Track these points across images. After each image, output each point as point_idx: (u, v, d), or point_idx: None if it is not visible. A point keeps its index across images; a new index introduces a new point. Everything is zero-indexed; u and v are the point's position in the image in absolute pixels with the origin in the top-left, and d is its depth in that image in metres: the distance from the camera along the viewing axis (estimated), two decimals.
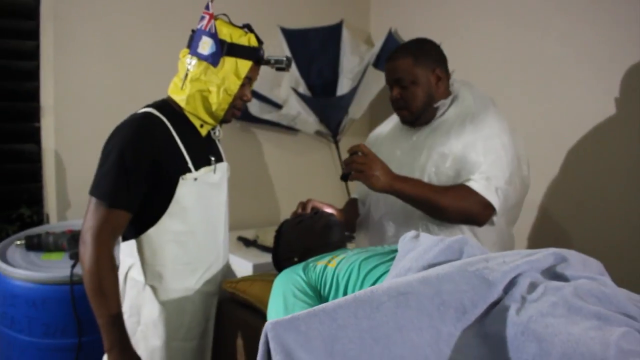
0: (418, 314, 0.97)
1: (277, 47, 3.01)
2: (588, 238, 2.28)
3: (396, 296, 0.97)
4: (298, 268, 1.37)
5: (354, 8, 3.34)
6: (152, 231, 1.48)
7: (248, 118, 2.88)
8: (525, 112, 2.47)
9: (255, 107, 2.85)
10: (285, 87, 3.02)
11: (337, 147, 3.17)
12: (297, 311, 1.05)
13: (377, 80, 2.89)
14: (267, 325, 0.90)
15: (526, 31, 2.51)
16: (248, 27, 1.60)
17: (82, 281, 1.38)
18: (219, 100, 1.52)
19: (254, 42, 1.57)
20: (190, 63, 1.49)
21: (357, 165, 1.57)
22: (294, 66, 3.04)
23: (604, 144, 2.23)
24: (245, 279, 1.63)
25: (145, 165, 1.43)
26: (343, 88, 3.08)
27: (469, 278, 1.03)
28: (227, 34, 1.51)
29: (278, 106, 2.91)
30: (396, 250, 1.34)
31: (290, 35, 3.06)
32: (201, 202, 1.54)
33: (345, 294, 1.25)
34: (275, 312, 1.26)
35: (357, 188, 2.09)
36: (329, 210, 1.79)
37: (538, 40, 2.46)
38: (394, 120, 1.95)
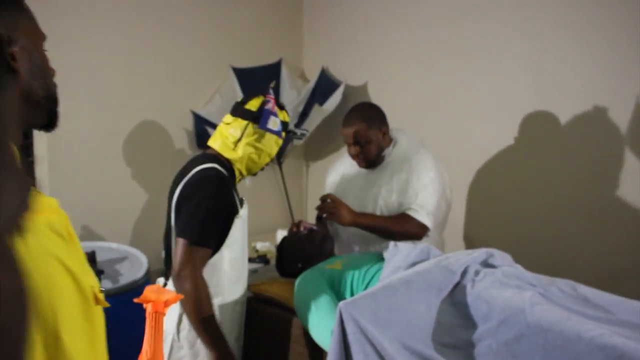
0: (417, 293, 1.62)
1: (229, 83, 3.53)
2: (499, 233, 3.07)
3: (405, 283, 1.61)
4: (314, 271, 1.96)
5: (290, 47, 3.93)
6: (214, 259, 1.88)
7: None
8: (442, 140, 3.19)
9: None
10: None
11: (281, 169, 3.75)
12: (324, 302, 1.69)
13: (319, 114, 3.49)
14: (340, 305, 1.52)
15: (440, 74, 3.24)
16: (281, 107, 2.11)
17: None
18: (262, 161, 2.01)
19: (287, 118, 2.09)
20: (243, 131, 1.95)
21: (329, 209, 2.23)
22: None
23: (508, 160, 3.03)
24: (264, 282, 2.20)
25: (224, 212, 1.88)
26: None
27: (441, 270, 1.70)
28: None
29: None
30: (378, 255, 2.00)
31: (240, 73, 3.59)
32: (242, 233, 2.00)
33: (351, 286, 1.88)
34: (306, 304, 1.84)
35: None
36: (307, 224, 2.37)
37: (449, 83, 3.20)
38: (348, 161, 2.53)
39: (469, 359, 1.52)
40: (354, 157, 2.37)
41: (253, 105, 1.98)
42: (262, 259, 3.15)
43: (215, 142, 2.00)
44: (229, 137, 1.96)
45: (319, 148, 3.96)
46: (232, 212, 1.92)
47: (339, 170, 2.61)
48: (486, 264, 1.81)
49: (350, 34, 3.72)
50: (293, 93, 3.73)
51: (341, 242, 2.49)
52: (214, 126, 3.41)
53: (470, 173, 3.14)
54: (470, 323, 1.58)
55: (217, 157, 1.97)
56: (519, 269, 1.76)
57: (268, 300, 2.12)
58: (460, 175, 3.07)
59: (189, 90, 3.42)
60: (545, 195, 2.84)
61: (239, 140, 1.95)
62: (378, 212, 2.33)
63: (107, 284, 2.40)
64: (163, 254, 2.05)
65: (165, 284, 1.93)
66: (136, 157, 3.18)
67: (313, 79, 3.74)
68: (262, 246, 3.30)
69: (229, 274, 1.93)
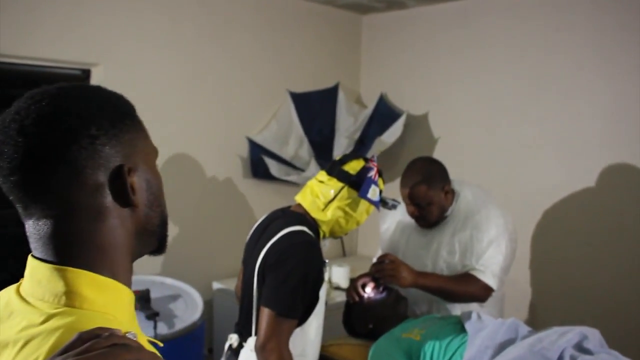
0: None
1: (286, 108, 3.43)
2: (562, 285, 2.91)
3: None
4: (390, 341, 1.83)
5: (347, 72, 3.81)
6: (300, 328, 1.75)
7: (268, 177, 3.27)
8: (506, 180, 3.04)
9: (275, 168, 3.25)
10: (292, 144, 3.45)
11: None
12: None
13: (379, 145, 3.36)
14: None
15: (507, 110, 3.08)
16: (379, 174, 1.92)
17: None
18: (349, 227, 1.86)
19: (382, 187, 1.91)
20: (339, 193, 1.79)
21: (388, 272, 2.03)
22: (298, 124, 3.49)
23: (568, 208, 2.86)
24: (332, 344, 2.07)
25: (314, 281, 1.74)
26: (340, 145, 3.54)
27: (535, 356, 1.55)
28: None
29: (299, 169, 3.34)
30: (457, 322, 1.86)
31: (296, 98, 3.48)
32: (324, 296, 1.85)
33: None
34: None
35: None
36: (370, 283, 2.20)
37: (517, 118, 3.04)
38: (404, 214, 2.31)
39: None
40: (413, 217, 2.20)
41: (352, 167, 1.83)
42: None
43: (304, 199, 1.84)
44: (321, 197, 1.81)
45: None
46: (321, 279, 1.78)
47: (395, 218, 2.43)
48: (580, 348, 1.66)
49: (411, 60, 3.58)
50: (350, 119, 3.61)
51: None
52: (269, 154, 3.32)
53: (537, 216, 2.98)
54: None
55: (304, 217, 1.82)
56: (619, 358, 1.61)
57: None
58: (524, 220, 2.91)
59: (244, 115, 3.32)
60: (617, 245, 2.66)
61: (331, 201, 1.81)
62: (439, 273, 2.18)
63: (163, 327, 2.32)
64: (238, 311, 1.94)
65: (240, 344, 1.83)
66: (190, 186, 3.10)
67: (371, 105, 3.61)
68: None
69: (313, 341, 1.82)
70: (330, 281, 3.11)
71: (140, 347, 0.56)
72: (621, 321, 2.55)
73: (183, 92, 3.03)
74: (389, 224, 2.46)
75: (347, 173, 1.82)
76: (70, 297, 0.65)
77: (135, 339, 0.58)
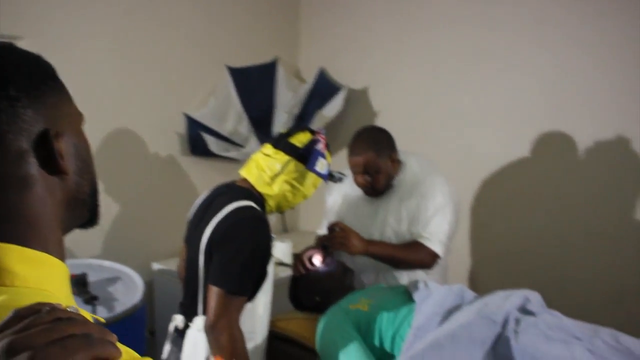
0: (461, 348, 1.51)
1: (224, 83, 3.34)
2: (503, 249, 3.00)
3: (450, 338, 1.50)
4: (339, 314, 1.83)
5: (286, 46, 3.75)
6: (250, 306, 1.72)
7: (207, 154, 3.19)
8: (445, 149, 3.08)
9: (214, 145, 3.17)
10: (231, 120, 3.38)
11: None
12: (354, 350, 1.57)
13: (320, 120, 3.34)
14: None
15: (446, 81, 3.12)
16: (328, 146, 1.89)
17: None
18: (295, 201, 1.83)
19: (329, 160, 1.88)
20: (283, 167, 1.75)
21: (338, 239, 2.05)
22: (237, 100, 3.41)
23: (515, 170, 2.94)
24: (280, 319, 2.04)
25: (263, 257, 1.71)
26: (279, 120, 3.49)
27: (483, 320, 1.59)
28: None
29: (238, 145, 3.27)
30: (403, 291, 1.88)
31: (234, 73, 3.39)
32: (272, 272, 1.82)
33: (380, 331, 1.76)
34: (332, 347, 1.72)
35: (323, 230, 2.44)
36: (317, 255, 2.19)
37: (456, 89, 3.08)
38: (350, 186, 2.33)
39: None
40: (362, 186, 2.22)
41: (299, 140, 1.79)
42: None
43: (250, 174, 1.80)
44: (267, 171, 1.77)
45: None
46: (269, 254, 1.75)
47: (341, 190, 2.44)
48: (524, 310, 1.71)
49: (350, 34, 3.56)
50: (289, 94, 3.55)
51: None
52: (208, 130, 3.23)
53: (475, 185, 3.05)
54: None
55: (250, 192, 1.78)
56: (561, 318, 1.67)
57: (288, 339, 1.98)
58: (464, 188, 2.97)
59: (181, 92, 3.21)
60: (553, 212, 2.77)
61: (277, 175, 1.77)
62: (387, 241, 2.20)
63: (102, 312, 2.22)
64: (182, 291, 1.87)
65: (186, 325, 1.77)
66: (125, 164, 2.97)
67: (310, 79, 3.57)
68: None
69: (262, 317, 1.79)
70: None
71: (86, 320, 0.51)
72: (558, 283, 2.66)
73: (117, 68, 2.88)
74: (335, 197, 2.46)
75: (294, 146, 1.79)
76: None
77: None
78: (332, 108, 3.37)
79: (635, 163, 2.51)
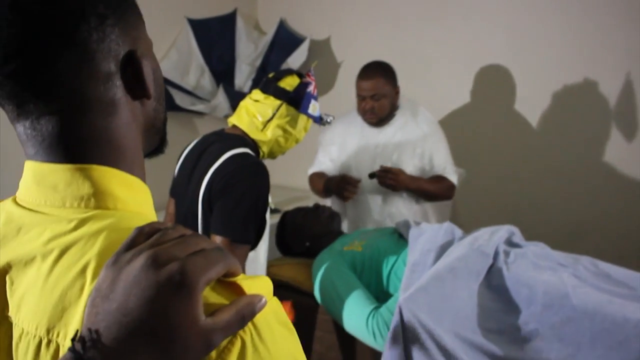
0: (460, 280, 1.60)
1: (184, 36, 3.26)
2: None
3: (450, 271, 1.59)
4: (334, 255, 1.88)
5: None
6: (253, 254, 1.73)
7: (173, 108, 3.12)
8: (411, 94, 3.14)
9: (178, 98, 3.11)
10: (193, 73, 3.31)
11: None
12: (353, 290, 1.64)
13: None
14: (400, 302, 1.47)
15: (408, 29, 3.15)
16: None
17: None
18: (288, 146, 1.81)
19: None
20: (274, 111, 1.74)
21: (390, 181, 2.23)
22: (198, 53, 3.34)
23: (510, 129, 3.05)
24: (272, 265, 2.07)
25: (264, 203, 1.67)
26: (242, 73, 3.45)
27: (476, 254, 1.69)
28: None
29: (204, 99, 3.21)
30: (392, 232, 1.95)
31: (195, 25, 3.30)
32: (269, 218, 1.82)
33: (376, 270, 1.83)
34: (331, 288, 1.78)
35: (321, 166, 2.57)
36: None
37: (419, 37, 3.13)
38: (349, 121, 2.49)
39: (516, 343, 1.54)
40: (366, 111, 2.34)
41: (288, 84, 1.75)
42: None
43: (241, 121, 1.76)
44: (259, 117, 1.75)
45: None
46: (267, 201, 1.73)
47: (335, 130, 2.51)
48: (510, 243, 1.82)
49: None
50: (250, 46, 3.50)
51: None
52: (171, 84, 3.16)
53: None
54: (512, 307, 1.60)
55: (244, 139, 1.74)
56: (545, 248, 1.79)
57: (283, 285, 2.02)
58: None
59: None
60: (515, 152, 2.91)
61: (270, 120, 1.75)
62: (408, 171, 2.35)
63: None
64: None
65: None
66: None
67: (270, 31, 3.52)
68: None
69: (263, 265, 1.81)
70: None
71: (206, 237, 0.52)
72: (532, 217, 2.82)
73: None
74: (330, 135, 2.55)
75: (283, 90, 1.76)
76: (100, 199, 0.57)
77: None
78: (297, 58, 3.35)
79: (596, 102, 2.66)
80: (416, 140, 2.34)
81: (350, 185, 2.24)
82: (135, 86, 0.61)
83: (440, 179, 2.35)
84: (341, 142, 2.47)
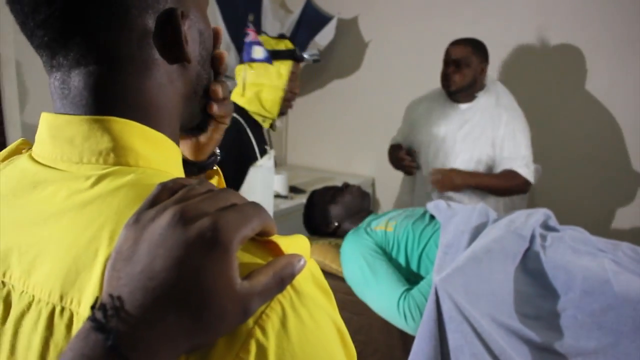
0: (496, 263, 1.55)
1: (212, 12, 3.21)
2: None
3: (487, 253, 1.53)
4: (361, 232, 1.84)
5: None
6: None
7: None
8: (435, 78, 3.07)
9: None
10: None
11: None
12: (380, 266, 1.60)
13: (313, 48, 3.25)
14: (436, 282, 1.42)
15: (439, 16, 3.07)
16: (282, 36, 1.94)
17: None
18: (272, 97, 1.86)
19: (290, 46, 1.91)
20: (245, 73, 1.85)
21: (440, 186, 2.19)
22: (225, 30, 3.28)
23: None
24: None
25: (235, 160, 1.73)
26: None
27: (512, 236, 1.62)
28: (266, 44, 1.87)
29: (229, 77, 3.17)
30: (423, 213, 1.90)
31: (221, 2, 3.25)
32: (263, 184, 1.88)
33: (405, 251, 1.78)
34: (360, 269, 1.73)
35: (397, 138, 2.59)
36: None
37: (448, 17, 3.05)
38: (432, 97, 2.48)
39: (553, 330, 1.48)
40: (445, 76, 2.30)
41: None
42: None
43: (234, 98, 1.91)
44: (239, 85, 1.88)
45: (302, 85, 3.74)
46: (247, 161, 1.81)
47: (421, 105, 2.52)
48: (547, 227, 1.76)
49: None
50: (276, 24, 3.44)
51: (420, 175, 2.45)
52: None
53: None
54: (549, 292, 1.54)
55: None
56: (584, 233, 1.72)
57: None
58: None
59: None
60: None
61: (244, 85, 1.86)
62: (475, 158, 2.30)
63: None
64: None
65: None
66: None
67: (297, 9, 3.46)
68: None
69: None
70: None
71: (237, 193, 0.47)
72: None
73: None
74: (411, 110, 2.57)
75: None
76: (120, 154, 0.52)
77: None
78: (325, 36, 3.29)
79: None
80: (493, 125, 2.26)
81: (406, 160, 2.30)
82: (172, 48, 0.55)
83: (506, 173, 2.23)
84: (418, 117, 2.47)
